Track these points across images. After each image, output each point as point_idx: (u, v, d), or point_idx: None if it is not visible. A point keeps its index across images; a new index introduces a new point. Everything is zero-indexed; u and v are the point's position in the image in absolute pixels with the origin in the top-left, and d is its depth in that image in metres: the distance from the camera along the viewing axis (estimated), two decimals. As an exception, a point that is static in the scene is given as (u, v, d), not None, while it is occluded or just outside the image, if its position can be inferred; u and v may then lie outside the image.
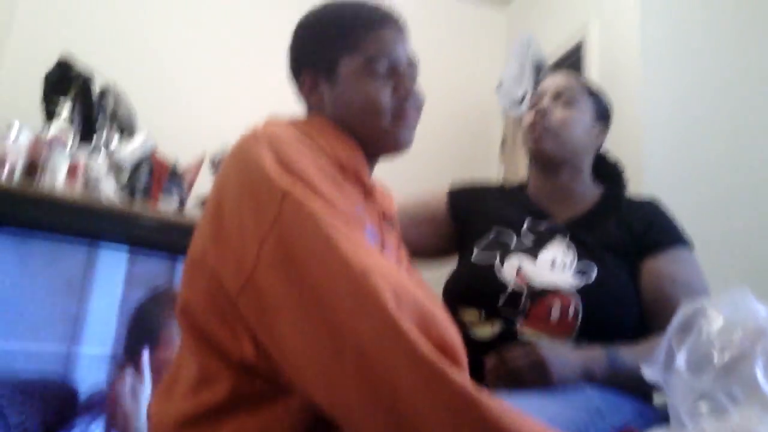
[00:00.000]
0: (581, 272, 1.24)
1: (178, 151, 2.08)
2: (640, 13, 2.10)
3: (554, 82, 1.48)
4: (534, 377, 1.06)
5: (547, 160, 1.43)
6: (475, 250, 1.34)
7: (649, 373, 0.82)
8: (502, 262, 1.28)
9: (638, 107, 2.03)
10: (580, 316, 1.18)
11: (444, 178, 2.73)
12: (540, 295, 1.20)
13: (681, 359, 0.80)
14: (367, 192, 0.97)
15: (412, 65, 1.04)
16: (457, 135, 2.88)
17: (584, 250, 1.28)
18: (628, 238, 1.31)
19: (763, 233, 2.02)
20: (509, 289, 1.22)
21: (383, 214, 1.01)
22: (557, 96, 1.44)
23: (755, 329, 0.79)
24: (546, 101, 1.44)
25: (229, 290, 0.79)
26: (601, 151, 1.53)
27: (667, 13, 2.14)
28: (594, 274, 1.23)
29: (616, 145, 2.07)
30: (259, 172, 0.81)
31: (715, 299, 0.85)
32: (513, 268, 1.26)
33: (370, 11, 1.03)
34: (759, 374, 0.75)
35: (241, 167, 0.85)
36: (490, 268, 1.28)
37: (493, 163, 2.79)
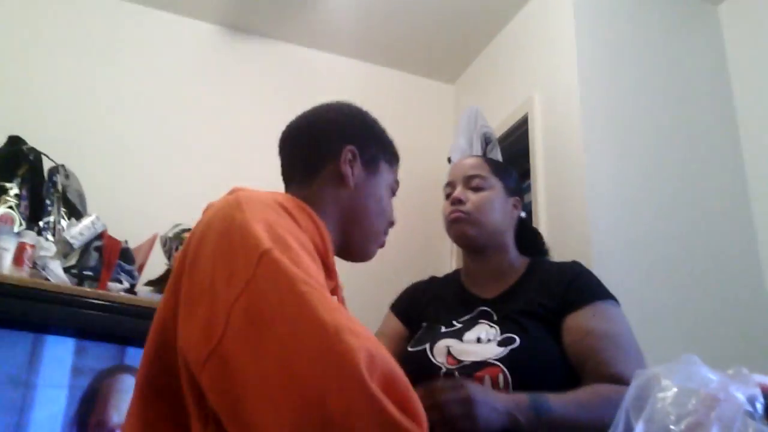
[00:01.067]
0: (505, 343, 1.28)
1: (129, 234, 2.04)
2: (578, 86, 2.20)
3: (462, 169, 1.57)
4: (459, 411, 1.07)
5: (471, 246, 1.51)
6: (409, 347, 1.41)
7: (609, 446, 0.82)
8: (431, 348, 1.34)
9: (582, 178, 2.09)
10: (510, 384, 1.21)
11: (395, 251, 2.74)
12: (471, 371, 1.24)
13: (639, 430, 0.81)
14: (329, 272, 0.99)
15: None
16: (407, 208, 2.92)
17: (507, 321, 1.34)
18: (548, 301, 1.36)
19: (705, 299, 2.07)
20: (443, 371, 1.27)
21: (338, 292, 1.05)
22: (467, 182, 1.52)
23: (709, 396, 0.81)
24: (459, 190, 1.51)
25: (194, 363, 0.75)
26: (523, 218, 1.61)
27: (605, 84, 2.25)
28: (517, 342, 1.27)
29: (562, 215, 2.13)
30: (240, 235, 0.80)
31: (667, 367, 0.86)
32: (443, 351, 1.32)
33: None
34: (715, 442, 0.76)
35: (222, 230, 0.84)
36: (423, 353, 1.34)
37: (445, 235, 2.82)
